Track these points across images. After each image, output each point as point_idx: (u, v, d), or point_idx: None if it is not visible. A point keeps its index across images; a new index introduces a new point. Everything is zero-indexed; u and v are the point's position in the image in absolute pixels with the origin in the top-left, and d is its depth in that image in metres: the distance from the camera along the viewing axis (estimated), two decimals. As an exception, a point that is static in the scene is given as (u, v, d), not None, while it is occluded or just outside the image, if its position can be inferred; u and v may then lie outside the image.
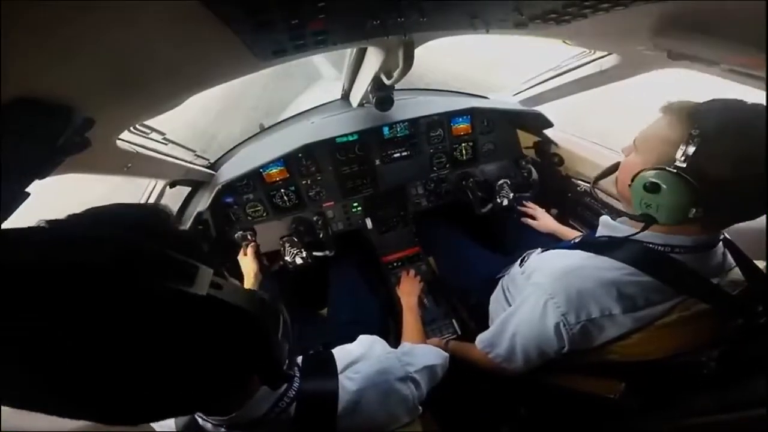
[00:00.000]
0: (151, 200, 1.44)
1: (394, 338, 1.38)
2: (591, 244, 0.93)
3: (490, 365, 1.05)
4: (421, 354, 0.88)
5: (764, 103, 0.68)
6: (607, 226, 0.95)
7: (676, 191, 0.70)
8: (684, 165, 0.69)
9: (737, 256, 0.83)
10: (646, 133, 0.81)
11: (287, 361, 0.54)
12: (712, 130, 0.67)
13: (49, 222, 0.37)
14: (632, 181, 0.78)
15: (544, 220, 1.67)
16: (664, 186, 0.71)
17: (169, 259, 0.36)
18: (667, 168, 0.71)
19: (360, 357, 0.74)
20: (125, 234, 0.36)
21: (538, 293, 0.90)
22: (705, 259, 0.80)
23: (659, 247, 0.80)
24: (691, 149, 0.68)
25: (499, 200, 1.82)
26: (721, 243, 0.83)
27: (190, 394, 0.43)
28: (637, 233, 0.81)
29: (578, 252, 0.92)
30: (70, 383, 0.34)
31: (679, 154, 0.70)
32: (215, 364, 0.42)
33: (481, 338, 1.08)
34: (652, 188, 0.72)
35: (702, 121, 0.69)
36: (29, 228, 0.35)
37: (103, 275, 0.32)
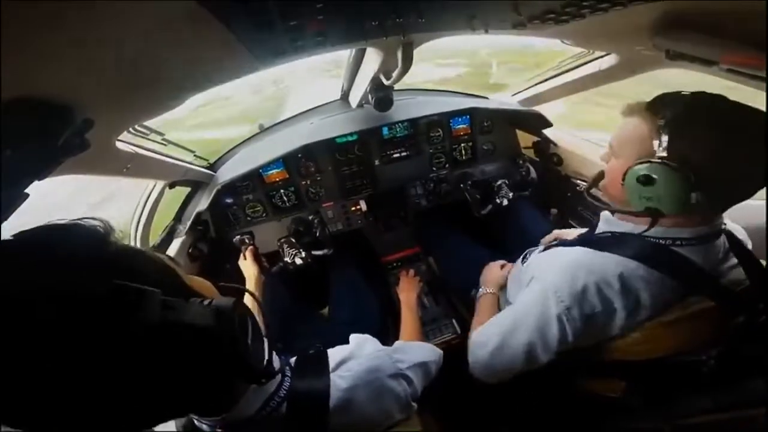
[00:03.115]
0: (152, 199, 1.44)
1: (393, 338, 1.38)
2: (592, 241, 0.92)
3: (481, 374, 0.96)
4: (414, 351, 0.87)
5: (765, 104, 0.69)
6: (608, 222, 0.95)
7: (670, 179, 0.71)
8: (665, 154, 0.72)
9: (741, 254, 0.82)
10: (620, 137, 0.84)
11: (266, 359, 0.54)
12: (678, 117, 0.72)
13: None
14: (623, 181, 0.79)
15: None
16: (656, 176, 0.72)
17: (112, 292, 0.36)
18: (651, 160, 0.73)
19: (351, 355, 0.75)
20: (56, 275, 0.36)
21: (541, 288, 0.89)
22: (707, 252, 0.80)
23: (660, 240, 0.81)
24: (665, 138, 0.72)
25: (498, 200, 1.82)
26: (724, 237, 0.83)
27: (165, 406, 0.45)
28: (648, 229, 0.80)
29: (580, 248, 0.91)
30: (37, 403, 0.35)
31: (656, 146, 0.73)
32: (184, 376, 0.43)
33: (478, 341, 0.97)
34: (646, 181, 0.74)
35: (664, 112, 0.74)
36: None
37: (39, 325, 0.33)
